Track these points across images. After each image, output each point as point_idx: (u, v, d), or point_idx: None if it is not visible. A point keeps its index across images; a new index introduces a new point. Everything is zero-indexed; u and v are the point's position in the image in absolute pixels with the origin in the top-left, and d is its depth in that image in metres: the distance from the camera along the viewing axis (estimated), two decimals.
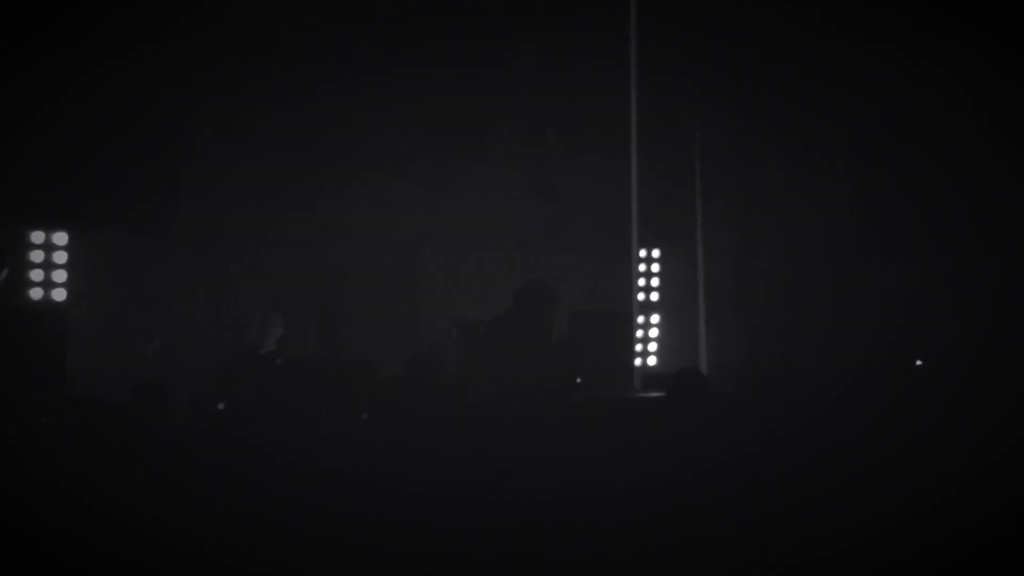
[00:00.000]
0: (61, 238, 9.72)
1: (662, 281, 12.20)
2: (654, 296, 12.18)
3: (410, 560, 5.58)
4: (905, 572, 5.75)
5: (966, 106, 10.81)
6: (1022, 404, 6.59)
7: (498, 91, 11.57)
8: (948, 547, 5.76)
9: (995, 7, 10.52)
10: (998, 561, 5.70)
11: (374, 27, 10.97)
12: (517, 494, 5.96)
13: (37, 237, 9.65)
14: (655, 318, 12.15)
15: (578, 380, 8.93)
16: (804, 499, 6.04)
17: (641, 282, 12.12)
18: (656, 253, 12.22)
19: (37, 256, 9.67)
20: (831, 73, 11.24)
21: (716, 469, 6.21)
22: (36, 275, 9.67)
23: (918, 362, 10.45)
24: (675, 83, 11.68)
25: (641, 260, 12.12)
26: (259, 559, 5.60)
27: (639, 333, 12.02)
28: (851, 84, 11.22)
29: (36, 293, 9.64)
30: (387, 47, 11.05)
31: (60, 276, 9.72)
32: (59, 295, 9.71)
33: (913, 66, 11.00)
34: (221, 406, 8.25)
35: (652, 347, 12.12)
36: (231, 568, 5.58)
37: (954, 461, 6.17)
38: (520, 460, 6.27)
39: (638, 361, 12.01)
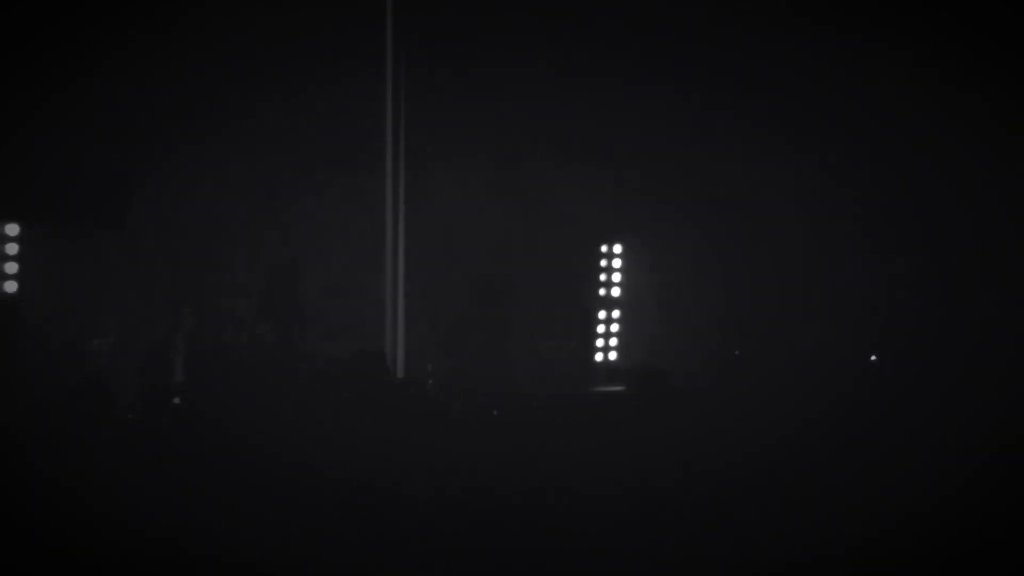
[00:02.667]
0: (13, 229, 9.55)
1: (623, 276, 12.16)
2: (615, 291, 12.14)
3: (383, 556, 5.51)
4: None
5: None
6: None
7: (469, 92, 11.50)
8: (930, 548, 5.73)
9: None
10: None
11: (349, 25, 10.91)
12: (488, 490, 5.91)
13: None
14: (616, 313, 12.10)
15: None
16: (771, 492, 6.02)
17: (602, 277, 12.09)
18: (617, 249, 12.17)
19: None
20: (802, 64, 11.24)
21: (680, 464, 6.18)
22: None
23: (872, 357, 10.49)
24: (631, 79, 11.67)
25: (602, 256, 12.09)
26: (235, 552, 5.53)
27: (600, 328, 11.99)
28: (818, 75, 11.23)
29: None
30: (342, 40, 10.98)
31: (11, 268, 9.55)
32: (10, 287, 9.55)
33: (897, 61, 11.02)
34: (176, 400, 8.15)
35: (613, 342, 12.08)
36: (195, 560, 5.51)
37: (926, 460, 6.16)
38: (485, 458, 6.23)
39: (599, 356, 11.99)
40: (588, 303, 11.90)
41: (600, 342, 11.93)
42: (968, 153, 10.73)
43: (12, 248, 9.55)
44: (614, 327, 12.05)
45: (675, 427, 6.41)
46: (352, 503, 5.77)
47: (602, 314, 11.99)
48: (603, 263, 12.11)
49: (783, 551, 5.58)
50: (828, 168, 11.62)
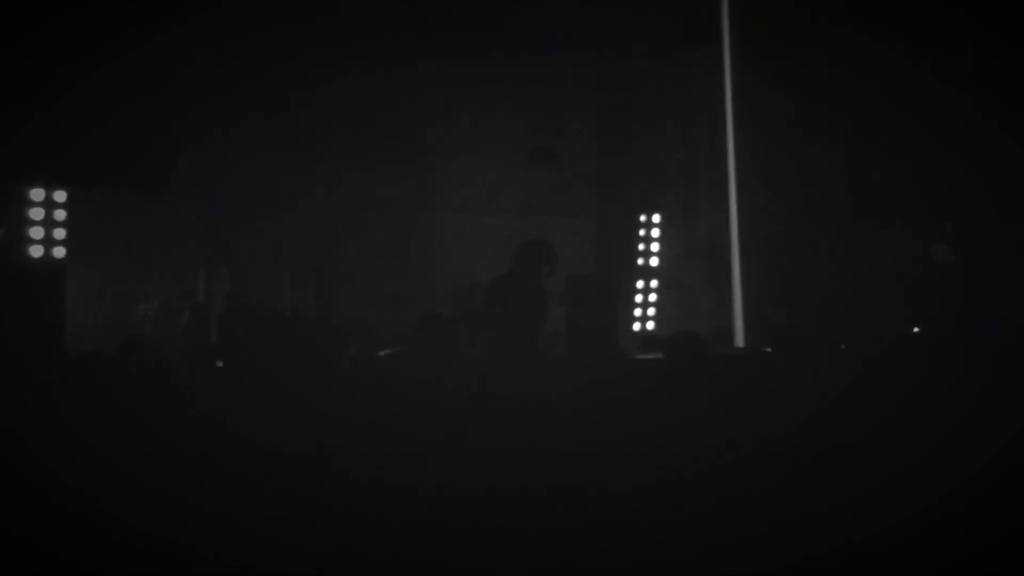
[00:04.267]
0: (61, 195, 9.69)
1: (662, 246, 12.22)
2: (653, 261, 12.20)
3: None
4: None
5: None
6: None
7: (503, 55, 11.54)
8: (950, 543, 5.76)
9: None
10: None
11: None
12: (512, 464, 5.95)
13: (37, 195, 9.63)
14: (654, 283, 12.17)
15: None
16: (798, 470, 6.05)
17: (640, 247, 12.15)
18: (656, 218, 12.23)
19: (37, 214, 9.65)
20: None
21: (711, 433, 6.21)
22: (36, 232, 9.65)
23: (915, 328, 10.49)
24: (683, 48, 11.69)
25: (641, 225, 12.15)
26: (256, 516, 5.61)
27: (638, 298, 12.06)
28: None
29: (36, 250, 9.63)
30: (394, 10, 11.06)
31: (60, 234, 9.70)
32: (59, 252, 9.69)
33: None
34: (220, 364, 8.28)
35: (651, 312, 12.15)
36: (232, 522, 5.59)
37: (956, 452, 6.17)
38: (512, 421, 6.26)
39: (637, 326, 12.06)
40: (626, 272, 11.97)
41: (638, 312, 12.01)
42: None
43: (60, 214, 9.69)
44: (652, 297, 12.13)
45: (711, 396, 6.45)
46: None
47: (640, 283, 12.06)
48: (641, 232, 12.18)
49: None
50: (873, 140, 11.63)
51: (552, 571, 5.44)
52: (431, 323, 7.66)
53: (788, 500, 5.78)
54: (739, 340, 11.24)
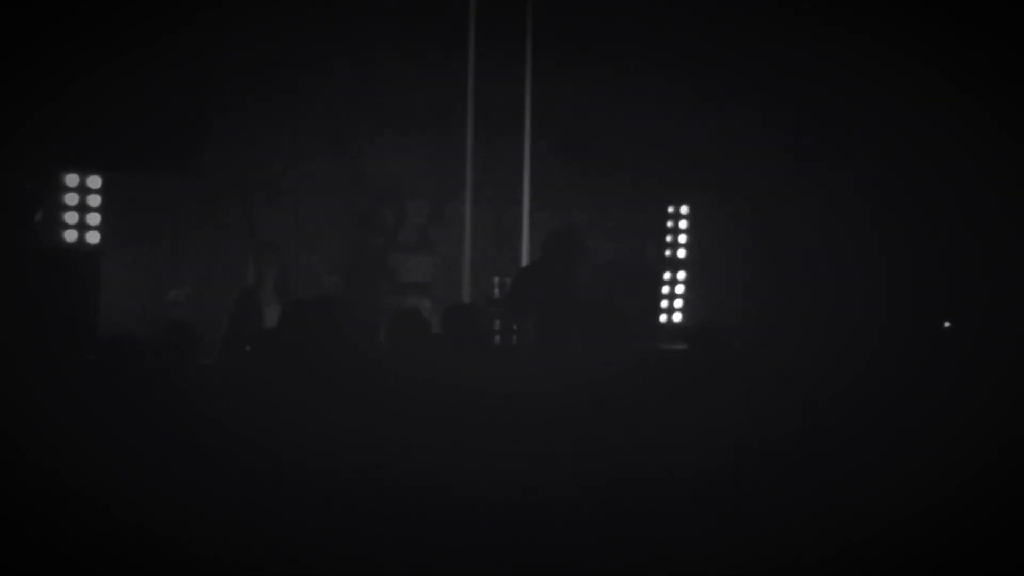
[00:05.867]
0: (95, 181, 9.80)
1: (690, 237, 12.23)
2: (681, 252, 12.22)
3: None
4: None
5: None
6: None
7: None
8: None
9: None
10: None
11: None
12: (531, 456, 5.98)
13: (72, 180, 9.74)
14: (681, 274, 12.19)
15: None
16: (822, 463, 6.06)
17: (668, 238, 12.17)
18: (684, 210, 12.24)
19: (72, 199, 9.76)
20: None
21: (736, 427, 6.22)
22: (71, 217, 9.76)
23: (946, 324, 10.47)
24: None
25: (669, 216, 12.17)
26: (284, 503, 5.66)
27: (665, 289, 12.09)
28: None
29: (71, 235, 9.74)
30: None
31: (94, 219, 9.81)
32: (93, 238, 9.81)
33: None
34: (248, 348, 8.35)
35: (678, 303, 12.17)
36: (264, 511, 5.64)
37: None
38: (535, 414, 6.28)
39: (663, 317, 12.09)
40: (654, 263, 12.00)
41: (665, 303, 12.04)
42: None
43: (95, 200, 9.80)
44: (679, 288, 12.16)
45: (732, 391, 6.46)
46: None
47: (667, 275, 12.09)
48: (669, 224, 12.20)
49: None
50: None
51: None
52: (457, 314, 7.72)
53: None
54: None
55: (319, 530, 5.52)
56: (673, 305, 12.16)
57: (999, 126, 10.57)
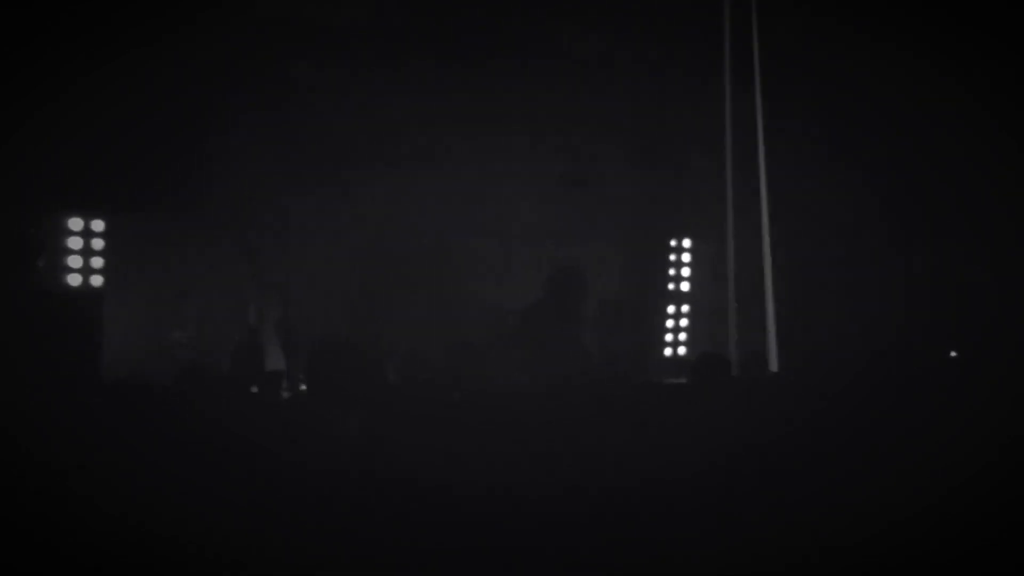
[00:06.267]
0: (98, 225, 9.85)
1: (692, 271, 12.26)
2: (684, 286, 12.24)
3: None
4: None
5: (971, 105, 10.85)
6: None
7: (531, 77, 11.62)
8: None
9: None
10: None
11: (401, 14, 11.09)
12: (527, 485, 5.98)
13: (75, 224, 9.78)
14: (685, 308, 12.20)
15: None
16: (824, 491, 6.06)
17: (671, 272, 12.20)
18: (687, 243, 12.27)
19: (75, 243, 9.81)
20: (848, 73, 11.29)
21: (736, 456, 6.23)
22: (74, 261, 9.80)
23: (952, 353, 10.45)
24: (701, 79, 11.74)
25: (671, 250, 12.20)
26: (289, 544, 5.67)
27: (669, 323, 12.10)
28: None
29: (74, 279, 9.78)
30: (414, 32, 11.15)
31: (98, 262, 9.85)
32: (96, 281, 9.84)
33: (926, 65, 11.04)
34: (254, 389, 8.36)
35: (682, 336, 12.18)
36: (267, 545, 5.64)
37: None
38: (532, 449, 6.29)
39: (668, 351, 12.10)
40: (656, 297, 12.02)
41: (668, 337, 12.05)
42: None
43: (98, 243, 9.84)
44: (683, 322, 12.17)
45: (730, 421, 6.47)
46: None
47: (671, 309, 12.10)
48: (672, 257, 12.22)
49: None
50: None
51: None
52: (460, 352, 7.71)
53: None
54: (773, 364, 11.24)
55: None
56: (677, 339, 12.18)
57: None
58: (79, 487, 5.75)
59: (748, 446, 6.09)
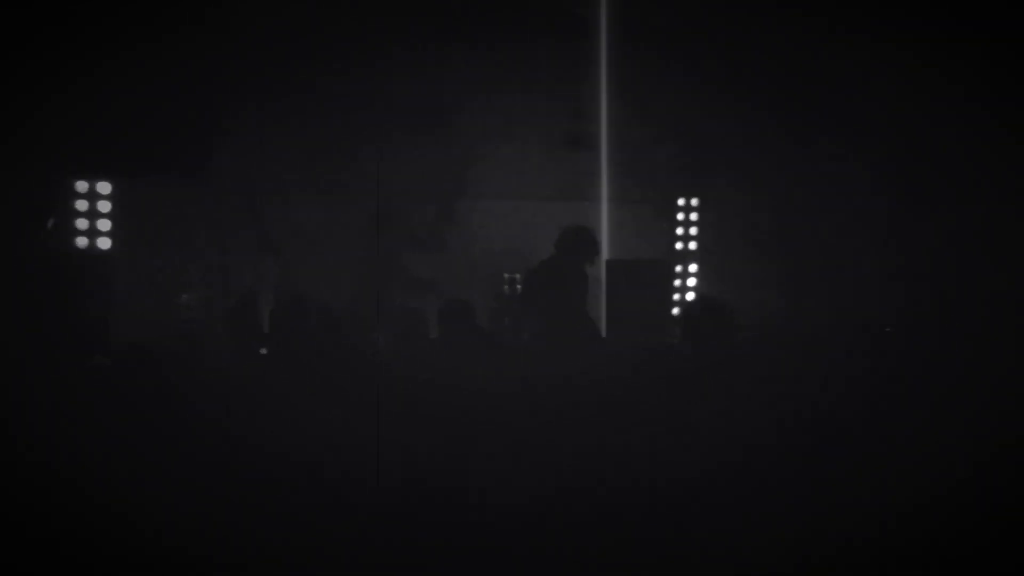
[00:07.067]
0: (105, 187, 9.85)
1: (701, 230, 12.21)
2: (692, 245, 12.20)
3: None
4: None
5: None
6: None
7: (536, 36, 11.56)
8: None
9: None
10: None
11: None
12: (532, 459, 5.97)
13: (82, 186, 9.79)
14: (693, 267, 12.17)
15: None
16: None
17: (680, 231, 12.16)
18: (695, 202, 12.22)
19: (82, 205, 9.82)
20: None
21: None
22: (81, 224, 9.81)
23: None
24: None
25: (680, 209, 12.15)
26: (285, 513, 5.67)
27: (677, 282, 12.07)
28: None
29: (82, 241, 9.79)
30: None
31: (105, 225, 9.86)
32: (104, 243, 9.86)
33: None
34: (264, 351, 8.37)
35: (690, 296, 12.15)
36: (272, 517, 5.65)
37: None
38: (538, 413, 6.26)
39: (675, 310, 12.06)
40: (665, 257, 11.98)
41: (676, 296, 12.02)
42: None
43: (105, 206, 9.85)
44: (691, 281, 12.14)
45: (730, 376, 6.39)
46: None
47: (679, 268, 12.07)
48: (680, 216, 12.18)
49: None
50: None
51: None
52: (455, 310, 7.67)
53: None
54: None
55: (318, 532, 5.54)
56: (686, 298, 12.15)
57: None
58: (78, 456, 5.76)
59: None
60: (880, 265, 11.49)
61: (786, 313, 11.10)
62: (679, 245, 12.16)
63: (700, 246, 12.16)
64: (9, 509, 5.59)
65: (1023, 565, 5.63)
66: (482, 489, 5.65)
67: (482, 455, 5.80)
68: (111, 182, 9.82)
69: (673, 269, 12.02)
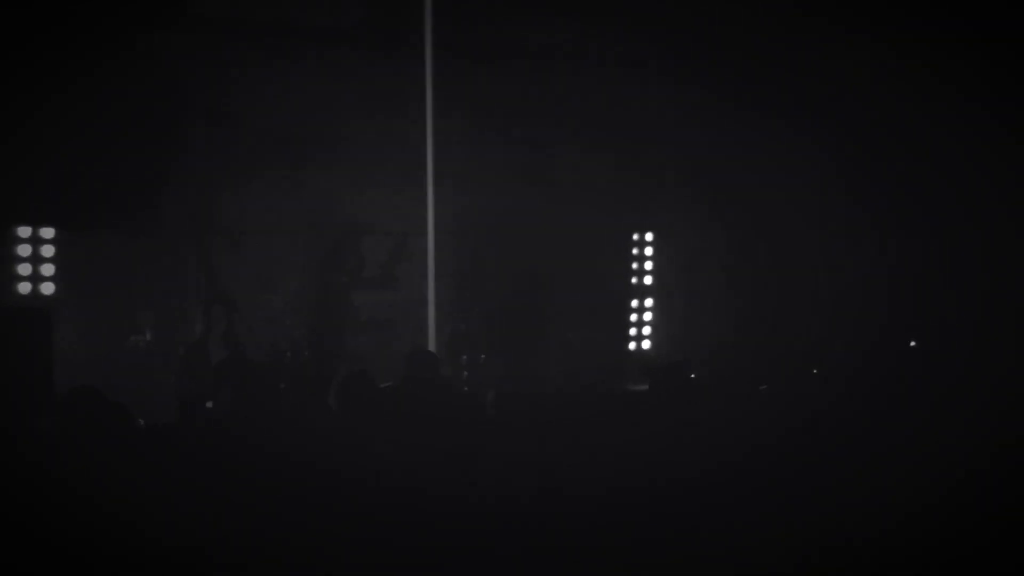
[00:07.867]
0: (48, 232, 9.70)
1: (655, 265, 12.17)
2: (647, 280, 12.15)
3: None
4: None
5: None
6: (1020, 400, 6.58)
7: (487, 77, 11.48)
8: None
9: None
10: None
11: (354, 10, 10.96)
12: (506, 491, 5.93)
13: (24, 232, 9.63)
14: (648, 302, 12.12)
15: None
16: (790, 497, 6.01)
17: (634, 266, 12.10)
18: (649, 237, 12.18)
19: (24, 250, 9.65)
20: (817, 67, 11.22)
21: (700, 462, 6.17)
22: (24, 269, 9.65)
23: (912, 343, 10.42)
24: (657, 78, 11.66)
25: (634, 244, 12.10)
26: (254, 555, 5.59)
27: (632, 317, 12.02)
28: (835, 77, 11.22)
29: (24, 287, 9.62)
30: (371, 30, 11.02)
31: (48, 270, 9.70)
32: (47, 289, 9.69)
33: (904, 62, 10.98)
34: (209, 404, 8.23)
35: (646, 331, 12.10)
36: (227, 565, 5.57)
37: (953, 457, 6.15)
38: (510, 456, 6.23)
39: (632, 345, 12.02)
40: (620, 292, 11.92)
41: (633, 331, 11.96)
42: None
43: (48, 250, 9.69)
44: (647, 316, 12.08)
45: (689, 422, 6.41)
46: (384, 506, 5.80)
47: (634, 303, 12.01)
48: (635, 251, 12.12)
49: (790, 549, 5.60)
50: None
51: None
52: (421, 358, 7.59)
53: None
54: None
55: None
56: (641, 333, 12.10)
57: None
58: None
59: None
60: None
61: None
62: (634, 280, 12.10)
63: (655, 279, 12.11)
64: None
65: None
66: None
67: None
68: (55, 228, 9.67)
69: (628, 304, 11.95)
